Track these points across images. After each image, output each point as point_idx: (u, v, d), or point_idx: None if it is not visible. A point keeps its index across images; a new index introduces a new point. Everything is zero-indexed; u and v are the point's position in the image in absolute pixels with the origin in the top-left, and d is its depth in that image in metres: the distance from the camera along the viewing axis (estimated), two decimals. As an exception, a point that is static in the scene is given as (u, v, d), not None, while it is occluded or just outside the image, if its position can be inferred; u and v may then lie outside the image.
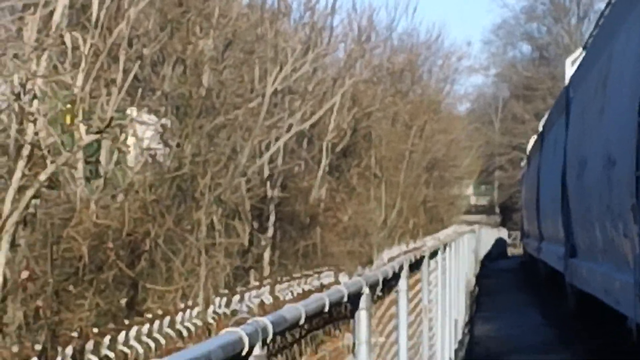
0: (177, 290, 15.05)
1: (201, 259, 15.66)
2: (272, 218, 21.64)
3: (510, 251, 62.34)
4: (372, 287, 4.44)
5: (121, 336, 11.65)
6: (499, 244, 59.04)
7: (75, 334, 12.48)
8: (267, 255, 20.95)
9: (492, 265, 47.60)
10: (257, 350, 2.04)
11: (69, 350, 10.95)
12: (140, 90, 16.07)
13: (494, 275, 40.91)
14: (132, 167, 16.10)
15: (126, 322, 13.02)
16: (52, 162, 11.57)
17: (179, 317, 12.87)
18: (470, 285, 26.11)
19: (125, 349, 11.47)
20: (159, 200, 15.54)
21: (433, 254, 11.76)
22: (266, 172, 20.57)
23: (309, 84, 22.81)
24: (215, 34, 17.96)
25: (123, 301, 14.22)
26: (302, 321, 2.64)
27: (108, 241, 13.86)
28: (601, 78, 15.01)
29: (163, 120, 17.65)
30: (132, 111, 15.79)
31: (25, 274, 11.37)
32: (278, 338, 2.44)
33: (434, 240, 17.40)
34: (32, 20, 11.73)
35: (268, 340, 2.20)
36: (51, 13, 12.20)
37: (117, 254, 14.11)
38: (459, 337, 17.25)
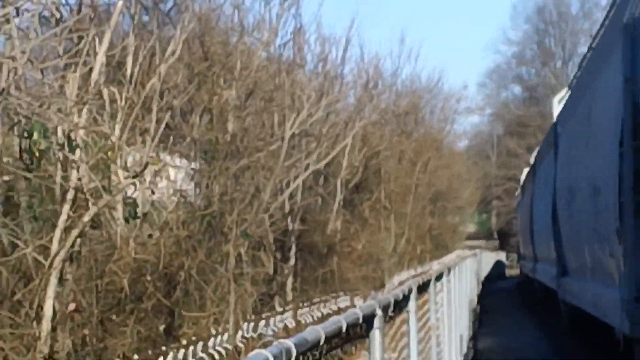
0: (210, 316, 14.90)
1: (230, 288, 15.48)
2: (294, 249, 21.32)
3: (508, 272, 61.43)
4: (385, 308, 4.39)
5: (160, 360, 11.56)
6: (498, 265, 58.33)
7: (118, 359, 12.49)
8: (289, 282, 20.65)
9: (492, 285, 46.94)
10: (284, 369, 2.12)
11: (114, 372, 10.97)
12: (171, 137, 16.06)
13: (494, 295, 40.30)
14: (166, 207, 16.16)
15: (164, 347, 12.93)
16: (94, 204, 11.46)
17: (211, 342, 12.76)
18: (473, 303, 25.74)
19: (164, 372, 11.35)
20: (191, 236, 15.44)
21: (439, 277, 11.59)
22: (287, 208, 20.40)
23: (323, 127, 22.75)
24: (238, 84, 18.02)
25: (161, 328, 14.10)
26: (322, 342, 2.59)
27: (146, 274, 13.82)
28: (586, 114, 14.91)
29: (193, 164, 17.76)
30: (164, 156, 15.80)
31: (72, 306, 11.26)
32: (301, 358, 2.31)
33: (439, 264, 17.07)
34: (73, 78, 11.72)
35: None
36: (90, 71, 12.22)
37: (155, 285, 14.06)
38: (464, 351, 16.87)
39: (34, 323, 10.61)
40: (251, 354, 1.73)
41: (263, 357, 1.63)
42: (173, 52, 14.76)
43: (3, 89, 10.10)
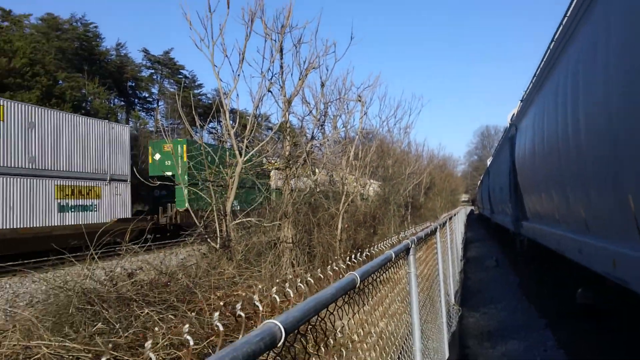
0: (388, 229, 25.73)
1: (393, 218, 26.44)
2: (409, 209, 28.41)
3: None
4: (419, 240, 4.50)
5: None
6: (472, 211, 75.68)
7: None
8: (409, 217, 27.32)
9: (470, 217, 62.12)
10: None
11: None
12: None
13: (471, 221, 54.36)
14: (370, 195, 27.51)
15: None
16: (350, 198, 17.00)
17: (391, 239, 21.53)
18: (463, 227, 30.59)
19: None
20: (379, 206, 26.46)
21: (451, 218, 13.42)
22: (409, 198, 32.45)
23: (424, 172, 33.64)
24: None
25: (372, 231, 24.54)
26: (393, 258, 3.08)
27: (369, 214, 24.14)
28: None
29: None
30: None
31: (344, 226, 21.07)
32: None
33: (450, 213, 21.61)
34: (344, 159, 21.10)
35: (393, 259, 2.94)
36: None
37: (372, 218, 24.80)
38: (461, 254, 18.72)
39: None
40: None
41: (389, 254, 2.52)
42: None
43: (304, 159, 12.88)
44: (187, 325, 1.31)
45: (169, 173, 28.48)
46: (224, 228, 11.60)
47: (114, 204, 26.07)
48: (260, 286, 8.84)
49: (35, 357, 4.43)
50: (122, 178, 27.14)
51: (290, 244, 12.05)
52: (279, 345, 1.26)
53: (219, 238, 11.33)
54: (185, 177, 25.71)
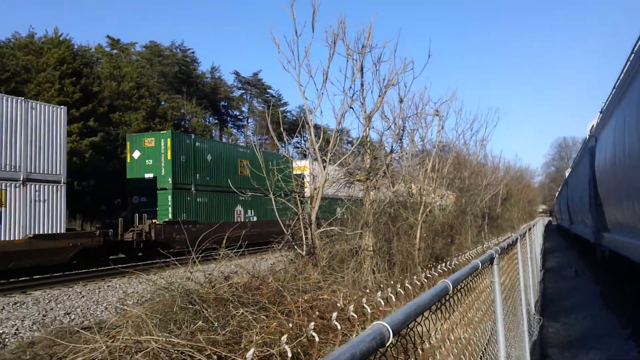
0: (465, 240, 25.48)
1: (470, 230, 26.08)
2: (486, 219, 28.54)
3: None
4: (502, 250, 4.42)
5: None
6: (549, 222, 72.41)
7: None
8: (486, 228, 27.57)
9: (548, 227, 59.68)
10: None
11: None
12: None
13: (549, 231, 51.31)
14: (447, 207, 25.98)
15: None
16: (429, 208, 22.39)
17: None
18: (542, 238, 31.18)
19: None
20: (456, 216, 26.02)
21: (530, 229, 12.31)
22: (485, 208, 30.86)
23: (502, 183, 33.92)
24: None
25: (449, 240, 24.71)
26: (480, 267, 3.04)
27: (446, 224, 23.77)
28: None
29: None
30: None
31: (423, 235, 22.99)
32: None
33: (529, 224, 20.67)
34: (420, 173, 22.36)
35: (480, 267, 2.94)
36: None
37: (450, 227, 24.28)
38: (540, 263, 17.81)
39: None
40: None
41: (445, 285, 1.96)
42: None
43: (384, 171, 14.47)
44: (312, 324, 1.34)
45: (150, 175, 24.10)
46: (309, 236, 11.76)
47: (32, 213, 17.22)
48: (344, 291, 8.84)
49: (145, 350, 4.63)
50: (52, 178, 18.13)
51: (370, 252, 12.04)
52: (387, 344, 1.28)
53: (304, 245, 11.48)
54: (169, 179, 23.70)
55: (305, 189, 13.74)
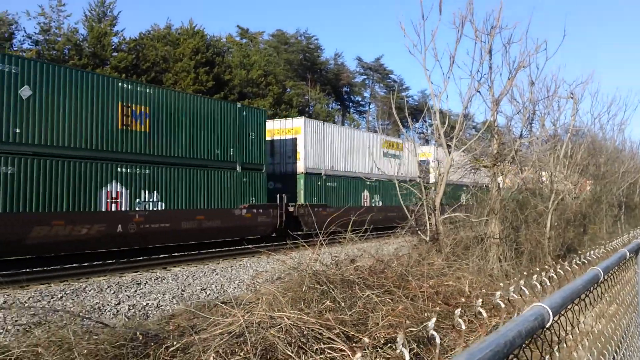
0: (599, 231, 23.13)
1: (605, 220, 24.07)
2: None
3: None
4: None
5: None
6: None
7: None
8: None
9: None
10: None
11: None
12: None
13: None
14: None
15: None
16: (561, 197, 15.32)
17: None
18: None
19: None
20: (590, 204, 24.04)
21: None
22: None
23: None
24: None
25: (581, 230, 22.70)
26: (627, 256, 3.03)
27: (578, 214, 21.83)
28: None
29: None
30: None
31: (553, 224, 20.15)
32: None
33: None
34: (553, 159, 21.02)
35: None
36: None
37: (582, 217, 21.40)
38: None
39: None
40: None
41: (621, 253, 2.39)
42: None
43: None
44: (479, 300, 1.34)
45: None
46: (433, 222, 11.61)
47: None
48: (470, 278, 8.65)
49: (279, 326, 4.83)
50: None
51: (497, 240, 11.64)
52: (547, 325, 1.25)
53: (428, 231, 11.36)
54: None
55: (430, 175, 13.58)
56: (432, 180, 25.57)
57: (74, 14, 75.68)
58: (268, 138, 23.67)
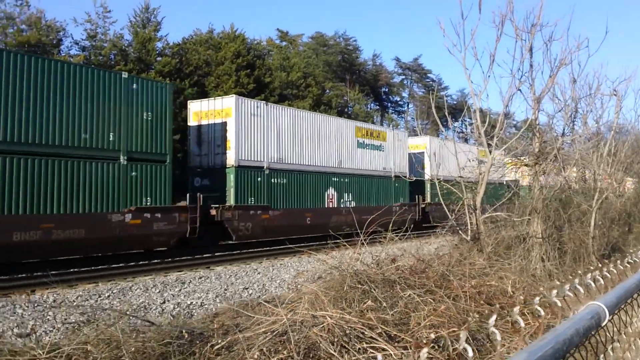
0: None
1: None
2: None
3: None
4: None
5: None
6: None
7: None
8: None
9: None
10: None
11: None
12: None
13: None
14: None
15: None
16: (605, 194, 14.54)
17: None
18: None
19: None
20: (635, 203, 23.23)
21: None
22: None
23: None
24: None
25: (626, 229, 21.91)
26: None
27: (624, 212, 21.71)
28: None
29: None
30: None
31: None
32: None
33: None
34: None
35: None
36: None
37: (627, 215, 20.09)
38: None
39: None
40: None
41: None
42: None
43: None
44: (516, 308, 1.31)
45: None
46: (474, 221, 11.47)
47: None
48: (512, 278, 8.52)
49: (321, 325, 4.85)
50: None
51: (539, 239, 11.42)
52: (604, 324, 1.23)
53: (469, 231, 11.23)
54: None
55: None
56: (427, 176, 24.63)
57: (120, 20, 77.47)
58: (194, 123, 20.55)
